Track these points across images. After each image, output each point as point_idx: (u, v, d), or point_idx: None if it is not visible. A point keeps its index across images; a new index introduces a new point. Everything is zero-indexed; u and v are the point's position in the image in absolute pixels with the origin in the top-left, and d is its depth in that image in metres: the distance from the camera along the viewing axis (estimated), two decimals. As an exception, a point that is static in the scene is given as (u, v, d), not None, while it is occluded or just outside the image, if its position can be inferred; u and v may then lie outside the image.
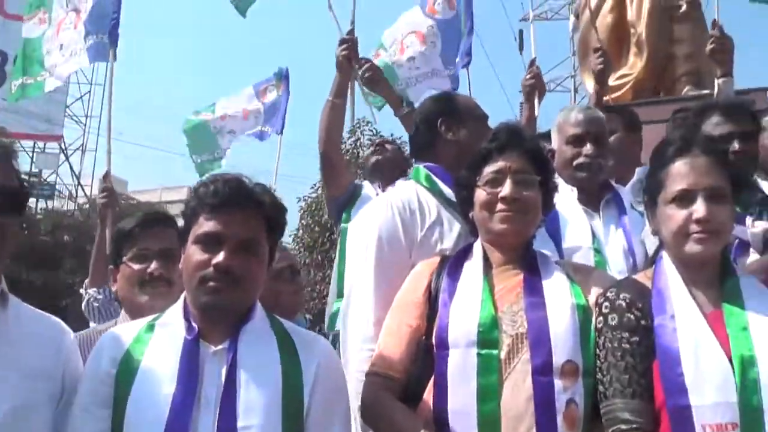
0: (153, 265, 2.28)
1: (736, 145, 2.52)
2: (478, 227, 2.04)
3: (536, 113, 3.66)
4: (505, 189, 1.94)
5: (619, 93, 6.32)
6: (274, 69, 6.41)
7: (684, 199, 1.77)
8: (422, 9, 5.27)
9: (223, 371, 1.65)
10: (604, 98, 4.17)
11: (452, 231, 2.28)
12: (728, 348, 1.63)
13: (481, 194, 1.98)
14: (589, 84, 6.63)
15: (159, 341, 1.71)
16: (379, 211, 2.31)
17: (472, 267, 1.97)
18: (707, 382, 1.60)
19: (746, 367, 1.59)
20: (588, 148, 2.61)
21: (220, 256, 1.67)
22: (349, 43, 3.79)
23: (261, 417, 1.61)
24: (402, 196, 2.33)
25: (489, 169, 1.99)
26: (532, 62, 4.03)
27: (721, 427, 1.55)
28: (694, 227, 1.74)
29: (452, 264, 2.01)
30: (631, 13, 6.31)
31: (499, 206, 1.94)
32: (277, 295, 2.57)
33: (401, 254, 2.22)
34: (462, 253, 2.05)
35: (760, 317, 1.68)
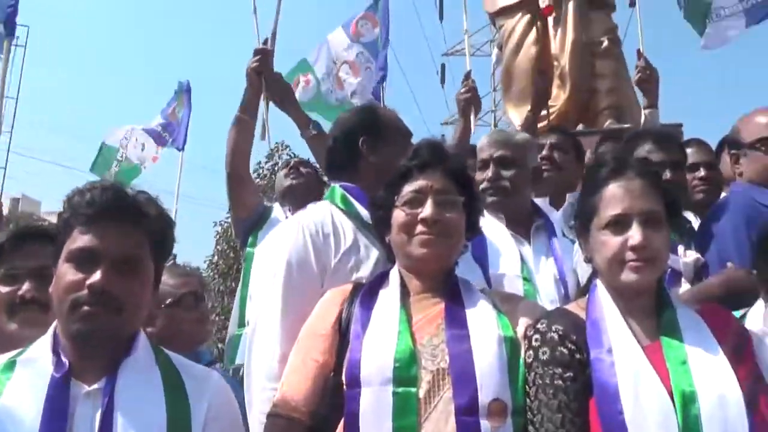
0: (25, 287, 1.90)
1: (667, 174, 2.45)
2: (396, 252, 1.86)
3: (472, 128, 3.55)
4: (426, 210, 1.77)
5: (542, 124, 6.34)
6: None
7: (618, 224, 1.66)
8: (346, 32, 5.10)
9: (98, 415, 1.41)
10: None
11: (369, 257, 2.08)
12: (668, 383, 1.52)
13: (399, 215, 1.81)
14: (513, 114, 6.69)
15: (20, 382, 1.44)
16: (289, 235, 2.09)
17: (388, 295, 1.78)
18: (648, 419, 1.48)
19: (687, 403, 1.49)
20: (489, 171, 2.51)
21: (96, 276, 1.44)
22: (262, 54, 3.53)
23: None
24: (315, 219, 2.12)
25: (408, 189, 1.82)
26: (467, 75, 3.88)
27: None
28: (629, 254, 1.63)
29: (366, 292, 1.81)
30: (554, 47, 6.40)
31: (419, 228, 1.77)
32: (178, 323, 2.34)
33: (312, 282, 2.00)
34: (377, 280, 1.86)
35: (699, 350, 1.58)
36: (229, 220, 16.11)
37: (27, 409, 1.39)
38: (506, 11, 6.71)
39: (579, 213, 1.81)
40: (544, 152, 3.10)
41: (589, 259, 1.77)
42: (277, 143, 16.91)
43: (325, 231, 2.07)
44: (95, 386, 1.44)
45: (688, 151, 2.90)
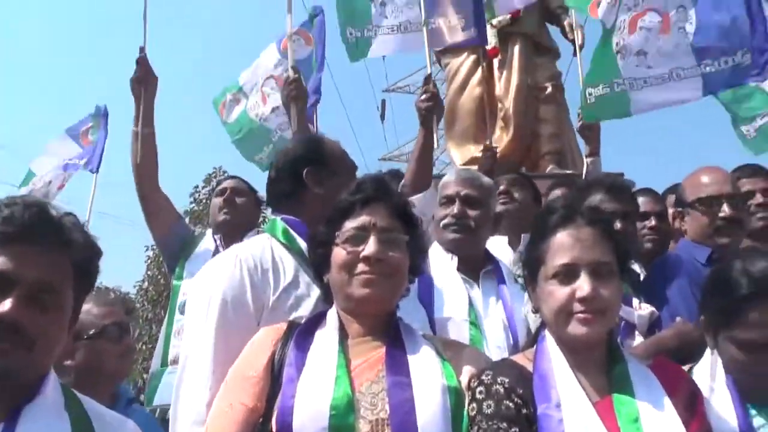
0: None
1: (618, 224, 2.42)
2: (334, 292, 1.73)
3: (434, 140, 3.20)
4: (369, 247, 1.66)
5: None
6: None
7: (567, 274, 1.59)
8: (277, 47, 4.92)
9: None
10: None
11: (311, 295, 1.93)
12: None
13: (340, 253, 1.69)
14: (454, 153, 6.72)
15: None
16: (225, 269, 1.92)
17: (325, 337, 1.66)
18: None
19: None
20: (455, 207, 2.47)
21: (6, 305, 1.27)
22: (138, 63, 3.57)
23: None
24: (253, 253, 1.96)
25: (350, 225, 1.71)
26: (427, 79, 3.44)
27: None
28: (577, 306, 1.56)
29: (301, 333, 1.67)
30: (499, 89, 6.50)
31: (361, 267, 1.66)
32: (100, 357, 2.14)
33: (248, 320, 1.84)
34: (313, 321, 1.72)
35: (651, 407, 1.51)
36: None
37: None
38: (452, 50, 6.74)
39: (526, 261, 1.74)
40: (502, 187, 3.05)
41: (536, 309, 1.69)
42: (215, 168, 16.72)
43: (264, 266, 1.92)
44: None
45: (639, 200, 2.90)
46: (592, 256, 1.59)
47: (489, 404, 1.52)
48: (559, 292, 1.58)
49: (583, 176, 3.89)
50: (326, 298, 1.81)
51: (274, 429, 1.52)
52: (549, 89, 6.41)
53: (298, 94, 3.63)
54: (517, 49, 6.43)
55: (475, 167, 6.37)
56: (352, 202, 1.73)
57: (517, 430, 1.49)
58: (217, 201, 3.59)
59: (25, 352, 1.28)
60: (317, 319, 1.73)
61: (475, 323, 2.24)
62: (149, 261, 16.06)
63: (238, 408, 1.58)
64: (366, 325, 1.67)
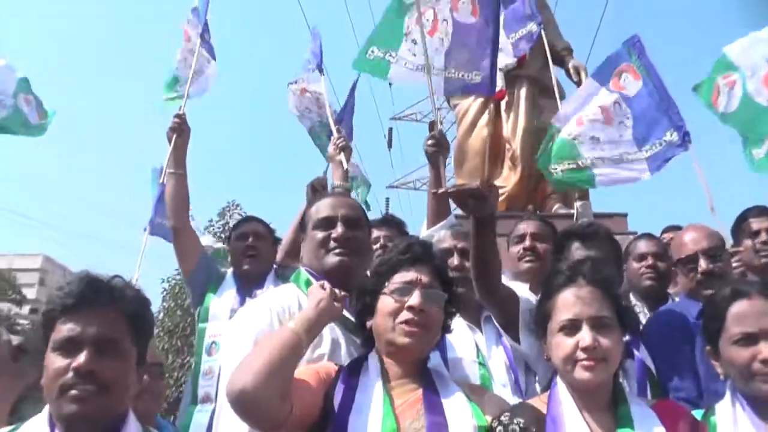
0: None
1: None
2: (377, 337, 1.94)
3: (443, 176, 3.43)
4: (414, 299, 1.87)
5: (493, 203, 6.56)
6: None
7: (571, 328, 1.80)
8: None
9: None
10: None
11: (324, 338, 2.10)
12: None
13: (387, 301, 1.90)
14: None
15: None
16: (258, 316, 2.11)
17: (370, 379, 1.86)
18: None
19: None
20: (455, 260, 2.66)
21: (81, 359, 1.51)
22: (179, 118, 4.06)
23: None
24: (282, 302, 2.15)
25: (399, 279, 1.93)
26: (432, 126, 3.79)
27: None
28: (581, 354, 1.76)
29: (347, 374, 1.87)
30: (506, 129, 6.63)
31: (405, 316, 1.87)
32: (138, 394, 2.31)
33: None
34: (355, 363, 1.92)
35: None
36: (177, 276, 16.09)
37: None
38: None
39: (537, 317, 1.95)
40: (527, 242, 3.13)
41: (548, 358, 1.88)
42: (228, 202, 16.92)
43: (292, 312, 2.11)
44: None
45: (639, 243, 3.07)
46: (592, 312, 1.80)
47: None
48: (565, 343, 1.79)
49: (575, 218, 4.06)
50: (365, 343, 2.01)
51: None
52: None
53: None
54: (523, 92, 6.59)
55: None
56: (402, 260, 1.95)
57: None
58: (239, 246, 3.73)
59: (100, 395, 1.50)
60: (359, 362, 1.92)
61: (483, 364, 2.41)
62: (164, 293, 16.24)
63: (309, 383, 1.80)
64: (404, 369, 1.88)
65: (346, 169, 4.00)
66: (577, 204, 4.25)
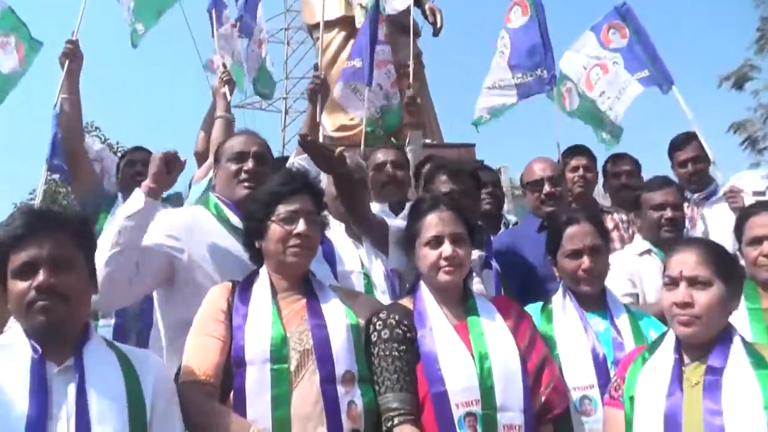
0: None
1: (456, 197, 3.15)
2: (267, 257, 2.33)
3: (318, 116, 4.08)
4: (300, 226, 2.27)
5: (352, 132, 7.07)
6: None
7: (435, 243, 2.33)
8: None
9: (71, 387, 1.76)
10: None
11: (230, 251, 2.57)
12: (470, 348, 2.20)
13: (276, 229, 2.29)
14: (325, 119, 7.23)
15: (3, 362, 1.77)
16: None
17: (261, 292, 2.26)
18: (457, 373, 2.14)
19: (483, 360, 2.17)
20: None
21: (40, 277, 1.78)
22: (71, 44, 4.12)
23: (112, 423, 1.76)
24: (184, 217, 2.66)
25: (285, 208, 2.30)
26: (316, 67, 4.68)
27: (468, 403, 2.10)
28: (443, 263, 2.30)
29: (242, 289, 2.29)
30: (366, 64, 7.09)
31: (293, 241, 2.27)
32: None
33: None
34: (248, 279, 2.33)
35: (490, 324, 2.29)
36: (31, 199, 15.53)
37: (15, 382, 1.71)
38: (324, 26, 7.31)
39: (406, 234, 2.47)
40: (389, 170, 3.64)
41: (415, 267, 2.42)
42: (87, 123, 16.30)
43: (193, 226, 2.60)
44: (66, 364, 1.78)
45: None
46: (451, 229, 2.34)
47: (386, 332, 2.23)
48: (431, 254, 2.32)
49: (406, 146, 4.69)
50: (254, 261, 2.42)
51: (231, 361, 2.12)
52: (411, 66, 7.11)
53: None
54: (383, 29, 7.05)
55: (343, 134, 7.07)
56: (285, 191, 2.33)
57: (404, 347, 2.20)
58: (129, 172, 4.05)
59: (62, 305, 1.80)
60: (251, 277, 2.34)
61: (366, 274, 2.93)
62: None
63: (211, 340, 2.17)
64: (290, 282, 2.31)
65: (229, 101, 4.34)
66: (410, 133, 4.89)
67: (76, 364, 1.80)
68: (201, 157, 4.27)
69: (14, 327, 1.89)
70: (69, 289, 1.82)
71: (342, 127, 7.16)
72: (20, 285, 1.79)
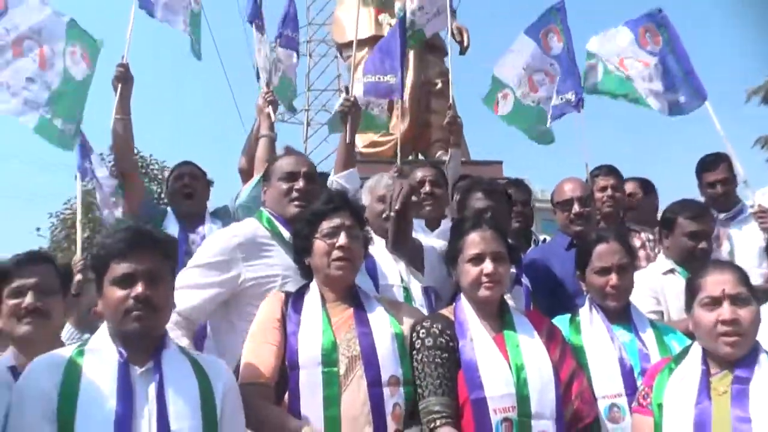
0: (27, 299, 2.38)
1: (489, 215, 3.35)
2: (316, 271, 2.51)
3: (348, 136, 4.18)
4: (341, 240, 2.44)
5: (382, 148, 7.30)
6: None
7: (477, 259, 2.50)
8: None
9: (152, 387, 1.95)
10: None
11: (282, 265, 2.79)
12: (508, 359, 2.37)
13: (320, 245, 2.47)
14: (357, 138, 7.51)
15: (92, 364, 1.96)
16: (219, 241, 2.80)
17: (312, 302, 2.45)
18: (495, 381, 2.31)
19: (519, 371, 2.34)
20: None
21: (138, 289, 1.98)
22: (122, 67, 4.26)
23: (188, 420, 1.95)
24: (245, 231, 2.86)
25: (327, 225, 2.48)
26: (347, 90, 4.84)
27: (505, 409, 2.27)
28: (484, 279, 2.47)
29: (294, 300, 2.47)
30: (396, 83, 7.31)
31: (336, 254, 2.44)
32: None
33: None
34: (301, 291, 2.53)
35: (525, 338, 2.46)
36: (67, 211, 15.95)
37: (104, 382, 1.90)
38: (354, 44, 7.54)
39: (449, 251, 2.64)
40: (427, 188, 3.85)
41: (457, 281, 2.60)
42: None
43: (254, 241, 2.82)
44: (146, 368, 1.97)
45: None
46: (492, 248, 2.51)
47: (429, 340, 2.40)
48: (472, 271, 2.49)
49: (446, 165, 4.88)
50: (305, 274, 2.61)
51: (286, 365, 2.31)
52: (439, 85, 7.33)
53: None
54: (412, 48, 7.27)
55: (373, 150, 7.28)
56: (326, 210, 2.53)
57: (446, 355, 2.36)
58: (177, 186, 4.21)
59: (154, 315, 2.02)
60: (302, 290, 2.53)
61: (406, 288, 3.05)
62: (53, 227, 16.13)
63: (268, 346, 2.36)
64: (337, 293, 2.49)
65: (273, 120, 4.55)
66: (451, 150, 5.06)
67: (156, 368, 1.99)
68: (245, 174, 4.48)
69: (99, 332, 2.06)
70: (160, 301, 2.03)
71: (372, 143, 7.39)
72: (119, 293, 1.98)
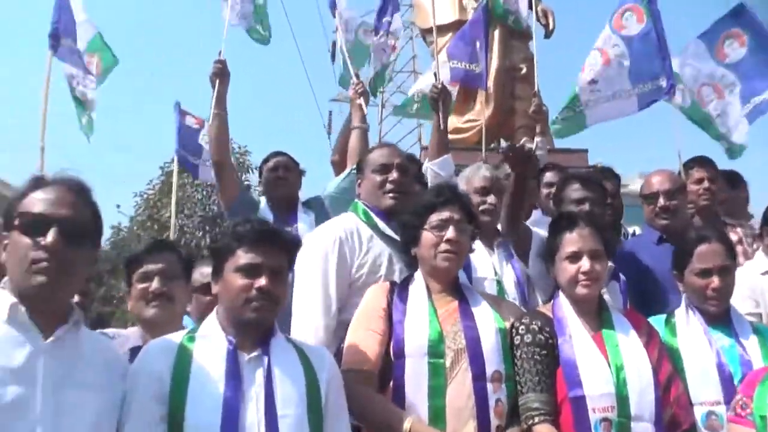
0: (154, 284, 2.58)
1: (586, 206, 3.39)
2: (421, 262, 2.55)
3: (441, 121, 4.21)
4: (450, 233, 2.47)
5: (465, 135, 7.29)
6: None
7: (574, 257, 2.51)
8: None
9: (259, 373, 2.02)
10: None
11: (385, 261, 2.86)
12: (607, 358, 2.38)
13: (428, 236, 2.50)
14: None
15: (202, 349, 2.04)
16: (322, 239, 2.86)
17: (418, 293, 2.49)
18: (595, 380, 2.33)
19: (618, 370, 2.35)
20: (489, 199, 3.25)
21: (263, 281, 2.06)
22: (220, 63, 4.46)
23: (294, 407, 2.01)
24: (345, 227, 2.91)
25: (436, 217, 2.51)
26: (435, 75, 4.88)
27: (604, 409, 2.28)
28: (581, 277, 2.48)
29: (400, 289, 2.53)
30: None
31: (443, 246, 2.47)
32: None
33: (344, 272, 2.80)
34: (406, 281, 2.59)
35: (624, 337, 2.46)
36: (150, 191, 16.70)
37: (213, 367, 1.97)
38: (437, 29, 7.53)
39: (547, 248, 2.65)
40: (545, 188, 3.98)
41: (554, 279, 2.61)
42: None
43: (355, 235, 2.88)
44: (254, 354, 2.04)
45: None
46: (590, 246, 2.52)
47: (528, 336, 2.43)
48: (570, 268, 2.51)
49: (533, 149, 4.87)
50: (410, 264, 2.67)
51: (391, 353, 2.38)
52: (524, 70, 7.27)
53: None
54: (497, 33, 7.22)
55: (457, 136, 7.29)
56: (436, 202, 2.56)
57: (545, 352, 2.40)
58: (271, 177, 4.31)
59: (272, 307, 2.09)
60: (407, 280, 2.59)
61: (499, 281, 3.09)
62: (137, 206, 16.97)
63: (372, 334, 2.43)
64: (442, 285, 2.54)
65: (365, 112, 4.64)
66: (537, 139, 5.02)
67: (263, 355, 2.06)
68: (338, 166, 4.58)
69: (208, 320, 2.16)
70: (280, 295, 2.12)
71: (456, 130, 7.39)
72: (241, 281, 2.05)
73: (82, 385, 1.82)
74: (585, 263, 2.48)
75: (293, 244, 2.24)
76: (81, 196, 1.89)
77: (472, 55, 5.43)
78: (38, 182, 1.87)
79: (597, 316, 2.53)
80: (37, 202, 1.82)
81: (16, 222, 1.80)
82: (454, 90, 5.75)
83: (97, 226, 1.93)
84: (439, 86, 4.44)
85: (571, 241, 2.54)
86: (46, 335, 1.78)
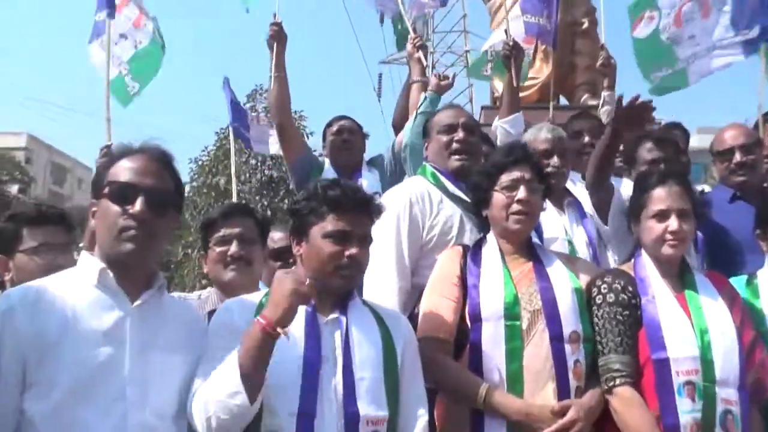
0: (233, 248, 2.63)
1: (662, 166, 3.27)
2: (493, 224, 2.52)
3: (514, 79, 4.17)
4: (521, 193, 2.43)
5: (526, 93, 7.09)
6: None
7: (662, 216, 2.42)
8: None
9: (337, 335, 2.04)
10: None
11: (456, 223, 2.86)
12: (691, 320, 2.32)
13: (499, 197, 2.47)
14: (497, 83, 7.37)
15: None
16: (397, 204, 2.84)
17: (491, 256, 2.46)
18: (679, 342, 2.27)
19: (703, 333, 2.29)
20: (556, 160, 3.18)
21: (354, 250, 2.07)
22: (276, 26, 4.42)
23: (371, 370, 2.03)
24: (416, 190, 2.90)
25: (507, 178, 2.47)
26: (505, 32, 4.73)
27: (688, 372, 2.24)
28: (668, 236, 2.40)
29: (473, 253, 2.51)
30: (539, 23, 7.07)
31: (515, 207, 2.43)
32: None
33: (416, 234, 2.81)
34: (478, 244, 2.55)
35: (708, 299, 2.39)
36: (204, 157, 16.98)
37: (292, 330, 1.90)
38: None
39: (631, 206, 2.57)
40: (585, 138, 3.80)
41: (638, 238, 2.52)
42: (256, 86, 17.43)
43: (426, 198, 2.89)
44: (332, 317, 2.07)
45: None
46: (678, 205, 2.42)
47: (611, 296, 2.38)
48: (657, 227, 2.42)
49: (600, 106, 4.71)
50: (482, 227, 2.64)
51: (467, 317, 2.36)
52: (585, 24, 7.02)
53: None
54: (557, -14, 6.97)
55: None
56: (507, 162, 2.51)
57: (628, 312, 2.34)
58: (336, 140, 4.30)
59: (359, 275, 2.15)
60: (479, 243, 2.56)
61: (570, 241, 3.04)
62: (192, 173, 17.21)
63: (446, 301, 2.41)
64: (515, 246, 2.50)
65: (425, 65, 4.58)
66: (605, 93, 4.86)
67: (340, 318, 2.08)
68: (399, 127, 4.54)
69: None
70: (366, 262, 2.15)
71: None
72: (332, 248, 2.06)
73: (167, 347, 1.88)
74: (673, 222, 2.40)
75: (380, 212, 2.22)
76: (165, 166, 1.94)
77: (543, 9, 5.21)
78: (125, 151, 1.93)
79: (679, 278, 2.46)
80: (124, 170, 1.87)
81: (106, 190, 1.86)
82: (530, 47, 5.62)
83: (179, 194, 1.99)
84: (511, 43, 4.37)
85: (660, 198, 2.45)
86: (132, 299, 1.85)
